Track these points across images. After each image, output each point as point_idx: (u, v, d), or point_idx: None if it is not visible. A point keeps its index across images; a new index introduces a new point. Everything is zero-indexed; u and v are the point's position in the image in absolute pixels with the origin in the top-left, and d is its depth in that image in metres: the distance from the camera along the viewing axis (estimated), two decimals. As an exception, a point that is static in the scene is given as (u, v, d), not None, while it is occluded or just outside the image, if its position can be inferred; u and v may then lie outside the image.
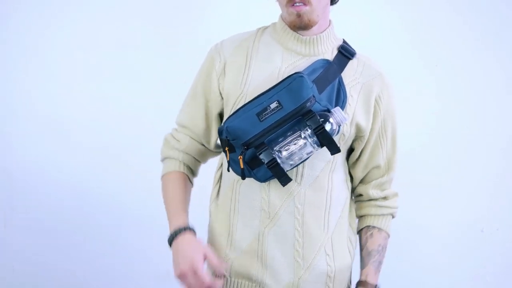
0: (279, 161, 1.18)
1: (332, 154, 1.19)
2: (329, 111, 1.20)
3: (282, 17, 1.32)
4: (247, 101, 1.22)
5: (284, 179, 1.20)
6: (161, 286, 2.15)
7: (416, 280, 2.29)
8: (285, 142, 1.18)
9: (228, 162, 1.26)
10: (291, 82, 1.18)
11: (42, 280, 2.25)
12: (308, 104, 1.17)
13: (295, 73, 1.21)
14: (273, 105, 1.17)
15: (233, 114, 1.20)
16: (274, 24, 1.36)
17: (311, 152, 1.20)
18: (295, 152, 1.18)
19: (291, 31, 1.29)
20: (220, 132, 1.24)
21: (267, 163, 1.17)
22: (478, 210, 2.26)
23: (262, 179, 1.23)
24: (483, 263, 2.28)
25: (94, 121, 2.21)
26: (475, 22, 2.22)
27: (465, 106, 2.24)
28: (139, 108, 2.20)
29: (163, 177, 1.39)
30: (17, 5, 2.18)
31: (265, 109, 1.17)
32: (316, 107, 1.19)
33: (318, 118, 1.17)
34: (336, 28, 1.36)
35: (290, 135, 1.18)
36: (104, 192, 2.22)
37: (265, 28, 1.37)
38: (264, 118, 1.16)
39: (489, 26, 2.21)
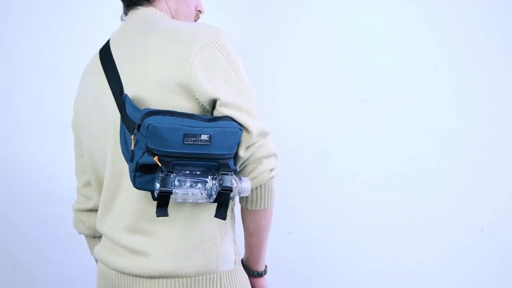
0: (172, 194, 1.09)
1: (216, 216, 1.12)
2: (237, 174, 1.15)
3: None
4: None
5: (162, 212, 1.09)
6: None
7: (416, 280, 2.29)
8: (187, 179, 1.10)
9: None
10: (229, 127, 1.11)
11: (42, 281, 2.25)
12: (229, 156, 1.13)
13: (229, 117, 1.14)
14: (204, 137, 1.09)
15: (161, 112, 1.10)
16: None
17: (197, 200, 1.12)
18: (187, 194, 1.11)
19: None
20: (132, 118, 1.11)
21: (160, 188, 1.07)
22: (478, 210, 2.26)
23: (136, 185, 1.12)
24: (483, 263, 2.28)
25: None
26: (476, 22, 2.22)
27: (465, 107, 2.24)
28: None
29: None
30: (17, 5, 2.18)
31: (195, 135, 1.08)
32: (231, 162, 1.14)
33: (232, 178, 1.10)
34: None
35: (195, 176, 1.11)
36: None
37: None
38: (188, 143, 1.08)
39: (490, 26, 2.22)
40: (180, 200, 1.11)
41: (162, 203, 1.08)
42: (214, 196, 1.10)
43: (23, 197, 2.22)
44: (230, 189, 1.09)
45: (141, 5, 1.30)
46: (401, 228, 2.27)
